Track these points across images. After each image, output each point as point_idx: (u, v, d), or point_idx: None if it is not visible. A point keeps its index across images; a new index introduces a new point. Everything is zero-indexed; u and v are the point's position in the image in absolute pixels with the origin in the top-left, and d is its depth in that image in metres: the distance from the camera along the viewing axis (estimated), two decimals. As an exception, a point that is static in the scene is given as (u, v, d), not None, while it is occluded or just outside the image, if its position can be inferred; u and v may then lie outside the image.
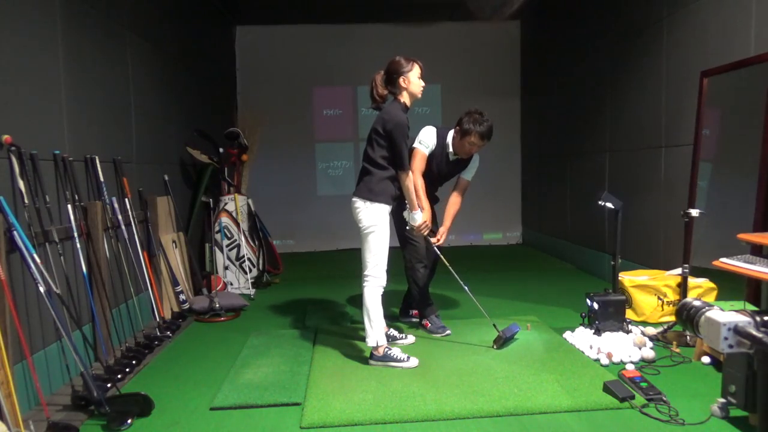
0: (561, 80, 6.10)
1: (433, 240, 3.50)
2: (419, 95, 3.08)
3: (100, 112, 3.48)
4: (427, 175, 3.55)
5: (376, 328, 3.03)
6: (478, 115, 3.41)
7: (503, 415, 2.45)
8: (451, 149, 3.55)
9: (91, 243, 3.13)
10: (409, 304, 3.93)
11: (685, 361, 3.02)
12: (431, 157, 3.55)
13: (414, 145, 3.51)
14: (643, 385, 2.61)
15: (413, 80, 3.03)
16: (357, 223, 3.06)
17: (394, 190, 3.08)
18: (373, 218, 3.00)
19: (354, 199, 3.06)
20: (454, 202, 3.71)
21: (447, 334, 3.57)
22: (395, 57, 3.04)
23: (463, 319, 3.91)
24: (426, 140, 3.52)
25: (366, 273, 3.05)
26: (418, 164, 3.48)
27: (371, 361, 3.06)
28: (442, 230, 3.61)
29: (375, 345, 3.04)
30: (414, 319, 3.88)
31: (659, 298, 3.73)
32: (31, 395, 2.53)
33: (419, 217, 3.20)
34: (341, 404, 2.56)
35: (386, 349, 3.06)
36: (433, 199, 3.68)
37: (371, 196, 3.01)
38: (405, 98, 3.06)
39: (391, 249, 3.10)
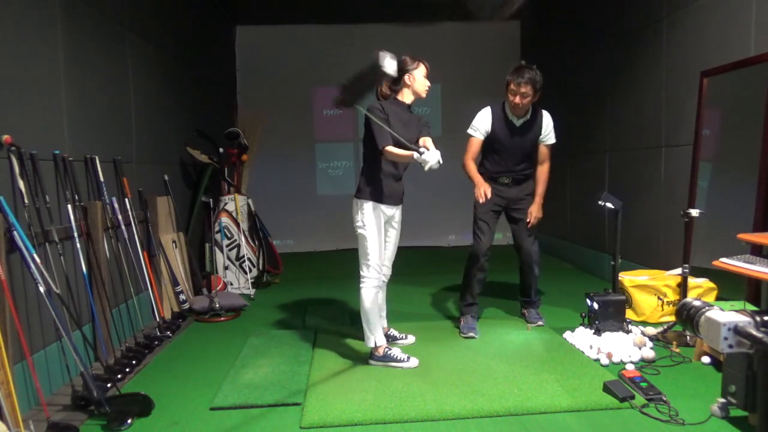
0: (561, 80, 6.09)
1: (533, 222, 3.64)
2: (424, 95, 3.09)
3: (100, 112, 3.48)
4: (497, 150, 3.61)
5: (373, 330, 3.03)
6: (518, 67, 3.43)
7: (503, 415, 2.45)
8: (511, 115, 3.55)
9: (91, 243, 3.13)
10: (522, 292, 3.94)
11: (685, 361, 3.02)
12: (494, 134, 3.57)
13: (468, 131, 3.64)
14: (643, 385, 2.61)
15: (418, 78, 3.04)
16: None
17: (383, 187, 3.01)
18: (361, 216, 3.00)
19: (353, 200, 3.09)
20: (540, 172, 3.74)
21: (470, 336, 3.49)
22: (401, 56, 3.03)
23: (463, 319, 3.91)
24: (476, 124, 3.58)
25: (361, 273, 3.05)
26: (470, 150, 3.61)
27: (371, 361, 3.06)
28: (533, 208, 3.65)
29: (374, 346, 3.04)
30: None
31: (659, 298, 3.73)
32: (31, 395, 2.53)
33: (427, 156, 2.73)
34: (341, 404, 2.56)
35: (386, 349, 3.05)
36: (517, 178, 3.67)
37: (358, 194, 3.03)
38: (406, 96, 3.06)
39: (400, 249, 3.10)
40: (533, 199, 3.69)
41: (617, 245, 3.59)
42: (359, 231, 3.02)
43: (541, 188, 3.70)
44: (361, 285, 3.04)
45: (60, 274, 2.83)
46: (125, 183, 3.66)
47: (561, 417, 2.43)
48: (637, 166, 4.62)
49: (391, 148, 2.87)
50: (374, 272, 3.02)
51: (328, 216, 7.25)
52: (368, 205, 3.00)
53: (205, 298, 4.21)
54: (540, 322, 3.72)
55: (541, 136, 3.65)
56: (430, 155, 2.73)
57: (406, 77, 3.03)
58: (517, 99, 3.40)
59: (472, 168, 3.58)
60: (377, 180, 3.01)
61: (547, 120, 3.64)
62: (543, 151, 3.71)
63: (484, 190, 3.45)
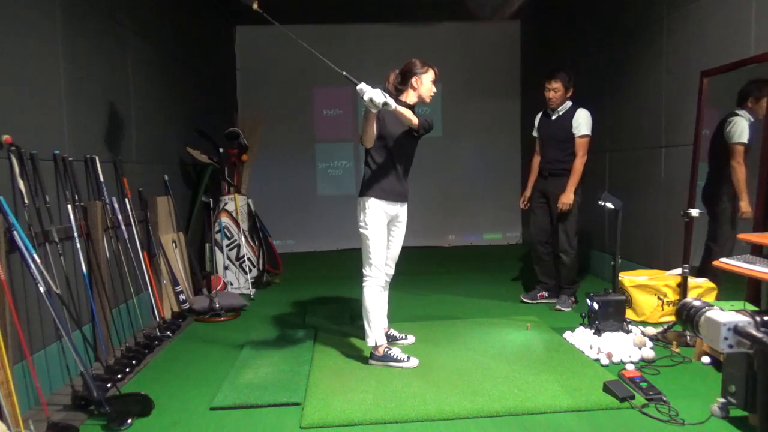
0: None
1: (560, 207, 4.01)
2: (428, 100, 3.09)
3: (100, 112, 3.48)
4: (541, 144, 4.28)
5: (375, 328, 3.03)
6: (551, 69, 4.11)
7: (503, 415, 2.45)
8: (549, 110, 4.18)
9: (91, 243, 3.13)
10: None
11: (685, 361, 3.02)
12: (539, 130, 4.28)
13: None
14: (643, 385, 2.62)
15: (425, 83, 3.04)
16: None
17: (384, 184, 3.01)
18: (365, 214, 3.01)
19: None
20: (573, 164, 4.06)
21: (523, 302, 4.20)
22: (412, 58, 3.05)
23: (463, 319, 3.91)
24: (535, 123, 4.33)
25: (364, 272, 3.06)
26: (536, 148, 4.35)
27: (371, 361, 3.06)
28: (562, 195, 4.01)
29: (374, 345, 3.04)
30: (543, 301, 4.30)
31: (659, 298, 3.73)
32: (31, 395, 2.53)
33: (363, 86, 2.68)
34: (341, 404, 2.56)
35: (386, 349, 3.06)
36: (553, 170, 4.13)
37: (362, 191, 3.04)
38: (409, 97, 3.05)
39: (403, 248, 3.13)
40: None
41: (617, 245, 3.59)
42: (362, 228, 3.02)
43: (571, 178, 4.03)
44: (363, 284, 3.05)
45: (60, 274, 2.83)
46: (125, 183, 3.66)
47: (561, 417, 2.43)
48: (637, 166, 4.62)
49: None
50: (377, 271, 3.03)
51: (328, 216, 7.25)
52: (371, 203, 3.00)
53: (205, 298, 4.21)
54: (559, 306, 4.10)
55: (572, 128, 4.05)
56: (366, 86, 2.65)
57: (413, 80, 3.02)
58: (550, 94, 4.06)
59: (532, 169, 4.36)
60: (379, 178, 3.01)
61: (579, 113, 4.06)
62: (577, 142, 4.06)
63: (523, 198, 4.39)
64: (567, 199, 3.99)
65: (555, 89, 4.02)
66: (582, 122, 4.02)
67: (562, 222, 4.07)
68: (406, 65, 3.06)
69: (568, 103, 4.09)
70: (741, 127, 3.36)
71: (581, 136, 4.02)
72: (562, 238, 4.07)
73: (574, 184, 4.00)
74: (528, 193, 4.38)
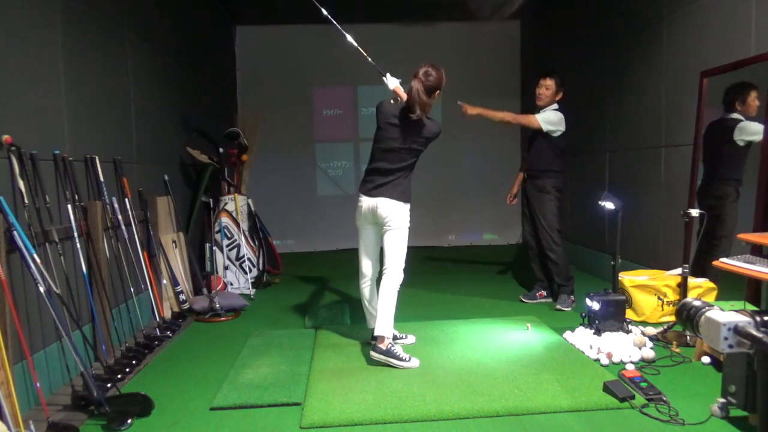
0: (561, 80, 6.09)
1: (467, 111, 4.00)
2: None
3: (100, 112, 3.48)
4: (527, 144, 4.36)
5: (390, 319, 3.08)
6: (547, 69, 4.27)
7: (503, 415, 2.45)
8: (538, 110, 4.19)
9: (91, 243, 3.13)
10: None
11: (685, 361, 3.02)
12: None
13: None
14: (643, 385, 2.62)
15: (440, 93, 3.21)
16: (383, 224, 3.16)
17: None
18: (407, 218, 3.18)
19: (386, 199, 3.14)
20: (514, 114, 4.27)
21: (522, 301, 4.30)
22: (440, 69, 3.15)
23: (463, 319, 3.91)
24: None
25: (392, 269, 3.15)
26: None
27: (373, 353, 3.05)
28: (467, 107, 3.98)
29: (382, 335, 3.04)
30: (542, 300, 4.35)
31: (659, 298, 3.73)
32: (31, 395, 2.53)
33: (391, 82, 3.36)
34: (341, 404, 2.56)
35: (390, 345, 3.06)
36: (531, 172, 4.19)
37: (405, 198, 3.18)
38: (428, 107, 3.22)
39: (408, 248, 3.23)
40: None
41: (617, 245, 3.59)
42: (403, 231, 3.17)
43: (491, 110, 4.06)
44: (391, 278, 3.15)
45: (60, 274, 2.83)
46: (125, 183, 3.66)
47: (561, 417, 2.43)
48: (637, 166, 4.62)
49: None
50: (402, 267, 3.19)
51: (328, 216, 7.25)
52: (409, 208, 3.19)
53: (205, 298, 4.21)
54: (558, 306, 4.11)
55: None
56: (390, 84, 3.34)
57: (436, 93, 3.18)
58: (541, 90, 4.11)
59: (521, 167, 4.46)
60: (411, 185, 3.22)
61: (555, 111, 4.10)
62: (532, 117, 4.12)
63: (510, 194, 4.50)
64: (470, 109, 3.96)
65: (547, 86, 4.09)
66: (548, 115, 4.07)
67: (539, 220, 4.13)
68: (438, 79, 3.14)
69: (554, 106, 4.14)
70: (753, 127, 3.32)
71: (540, 125, 4.05)
72: (544, 235, 4.12)
73: (485, 110, 4.00)
74: (514, 189, 4.49)
